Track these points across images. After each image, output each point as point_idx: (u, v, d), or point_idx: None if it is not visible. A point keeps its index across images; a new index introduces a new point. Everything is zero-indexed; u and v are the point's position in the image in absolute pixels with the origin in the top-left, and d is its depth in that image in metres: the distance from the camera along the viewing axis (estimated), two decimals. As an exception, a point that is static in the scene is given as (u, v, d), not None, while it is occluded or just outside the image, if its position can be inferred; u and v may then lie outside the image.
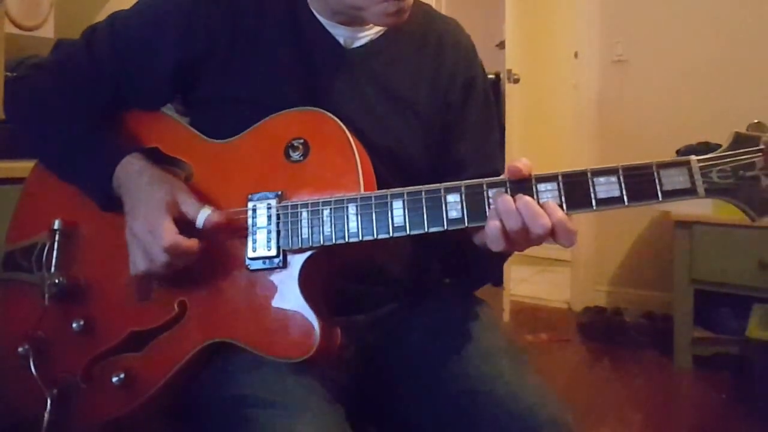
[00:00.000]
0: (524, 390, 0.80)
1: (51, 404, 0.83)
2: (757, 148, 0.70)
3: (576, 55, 3.33)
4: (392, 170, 0.88)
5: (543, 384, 0.83)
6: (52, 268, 0.88)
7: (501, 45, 3.18)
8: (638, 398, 2.37)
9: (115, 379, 0.82)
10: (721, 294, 2.48)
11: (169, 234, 0.78)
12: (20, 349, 0.86)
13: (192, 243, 0.80)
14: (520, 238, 0.73)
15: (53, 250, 0.89)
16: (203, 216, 0.80)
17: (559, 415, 0.79)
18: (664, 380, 2.53)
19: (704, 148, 2.62)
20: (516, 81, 3.20)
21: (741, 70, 2.92)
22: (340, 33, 0.92)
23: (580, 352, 2.84)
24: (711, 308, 2.55)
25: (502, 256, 0.89)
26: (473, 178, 0.76)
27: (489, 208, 0.74)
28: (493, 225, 0.73)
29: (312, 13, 0.92)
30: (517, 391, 0.80)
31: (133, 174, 0.85)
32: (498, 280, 3.06)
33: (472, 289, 1.00)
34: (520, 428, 0.77)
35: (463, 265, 0.96)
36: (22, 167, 0.99)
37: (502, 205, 0.72)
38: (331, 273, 0.84)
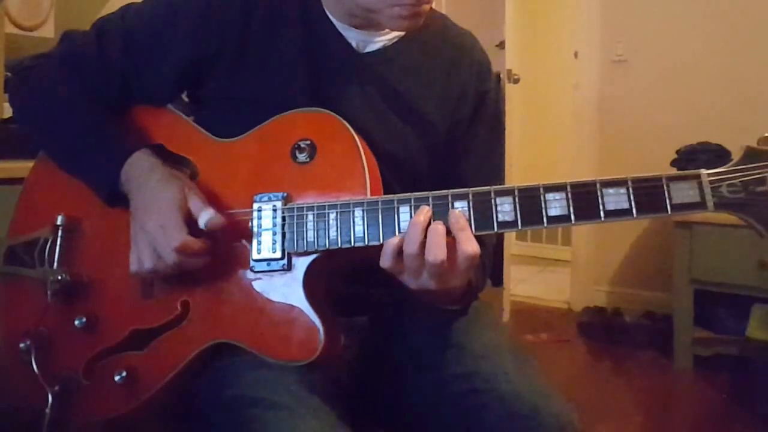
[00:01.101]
0: (529, 389, 0.80)
1: (52, 400, 0.83)
2: None
3: (576, 55, 3.33)
4: (396, 175, 0.87)
5: (547, 383, 0.83)
6: (55, 264, 0.88)
7: (501, 45, 3.18)
8: (638, 398, 2.37)
9: (117, 377, 0.82)
10: (721, 294, 2.47)
11: (181, 234, 0.78)
12: (22, 345, 0.86)
13: (202, 245, 0.79)
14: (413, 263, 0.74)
15: (56, 245, 0.89)
16: (206, 217, 0.79)
17: (564, 414, 0.79)
18: (664, 380, 2.53)
19: (704, 147, 2.62)
20: (516, 81, 3.20)
21: (741, 70, 2.92)
22: (353, 36, 0.90)
23: (580, 352, 2.84)
24: (711, 308, 2.55)
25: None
26: None
27: (496, 217, 0.73)
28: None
29: (326, 14, 0.90)
30: (521, 390, 0.79)
31: (143, 171, 0.84)
32: (498, 280, 3.06)
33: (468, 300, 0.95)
34: (524, 428, 0.77)
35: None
36: (23, 167, 0.98)
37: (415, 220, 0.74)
38: (334, 275, 0.84)
